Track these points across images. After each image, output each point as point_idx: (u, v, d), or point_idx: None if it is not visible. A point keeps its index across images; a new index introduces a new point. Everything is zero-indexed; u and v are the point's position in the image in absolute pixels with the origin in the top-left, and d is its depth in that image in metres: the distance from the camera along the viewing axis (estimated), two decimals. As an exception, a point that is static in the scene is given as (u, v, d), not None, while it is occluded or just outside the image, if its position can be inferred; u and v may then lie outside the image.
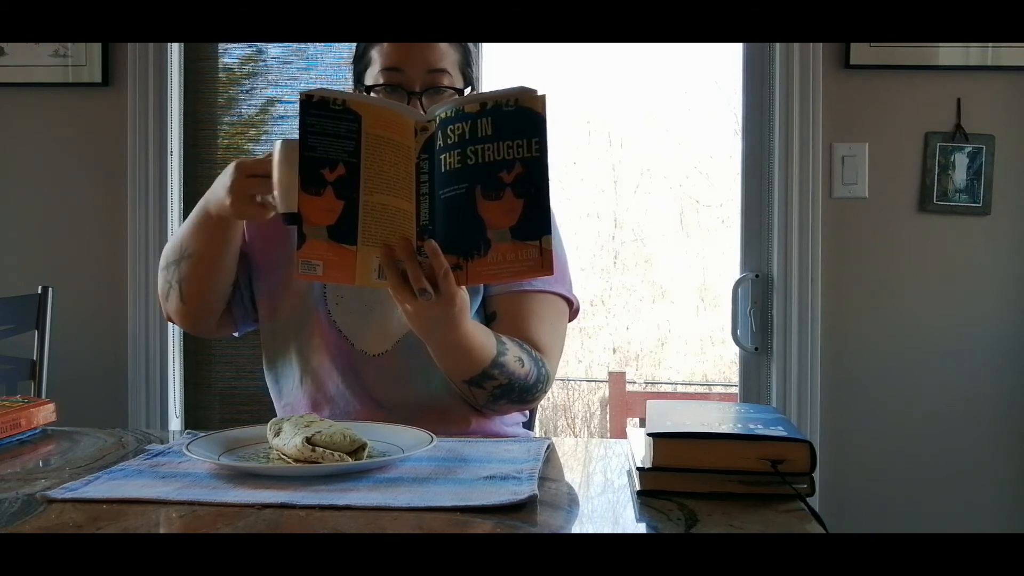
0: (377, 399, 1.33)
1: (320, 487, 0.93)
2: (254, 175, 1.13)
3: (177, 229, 1.38)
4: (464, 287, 1.09)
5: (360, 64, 1.36)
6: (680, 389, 5.43)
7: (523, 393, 1.29)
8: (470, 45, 1.39)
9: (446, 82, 1.30)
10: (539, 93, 1.02)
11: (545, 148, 1.01)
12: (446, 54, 1.31)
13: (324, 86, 1.09)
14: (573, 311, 1.43)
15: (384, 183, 1.03)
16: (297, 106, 1.04)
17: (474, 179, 1.02)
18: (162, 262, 1.37)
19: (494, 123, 1.01)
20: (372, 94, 1.31)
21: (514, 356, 1.26)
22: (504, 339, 1.27)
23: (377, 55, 1.31)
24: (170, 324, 2.29)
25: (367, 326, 1.35)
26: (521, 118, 1.01)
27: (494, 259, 1.03)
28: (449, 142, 1.02)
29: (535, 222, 1.02)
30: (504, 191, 1.01)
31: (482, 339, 1.23)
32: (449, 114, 1.02)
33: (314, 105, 1.02)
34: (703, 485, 0.92)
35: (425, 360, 1.27)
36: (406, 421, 1.18)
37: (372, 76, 1.32)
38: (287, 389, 1.40)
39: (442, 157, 1.02)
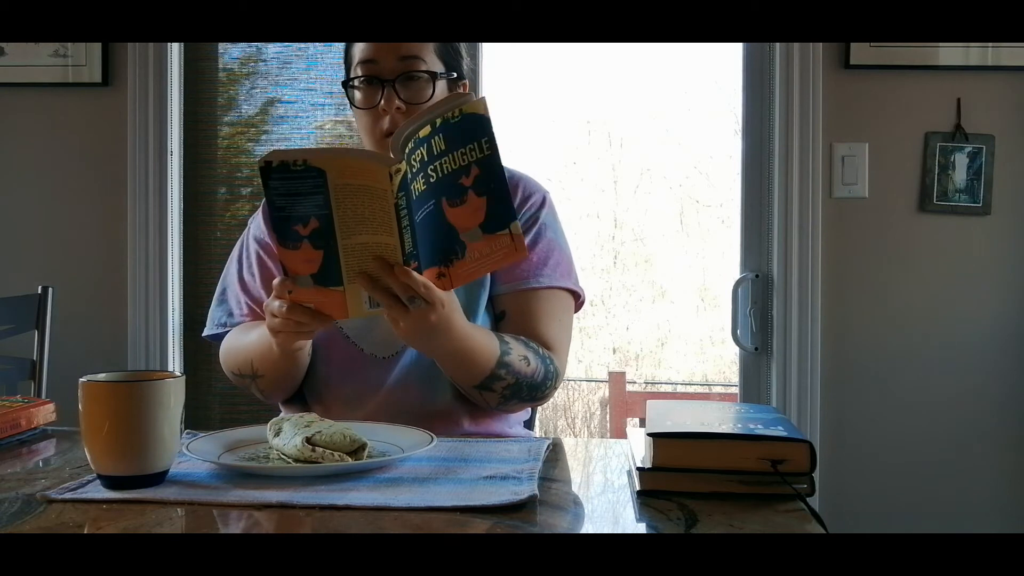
0: (387, 402, 1.33)
1: (320, 487, 0.93)
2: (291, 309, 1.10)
3: (241, 337, 1.36)
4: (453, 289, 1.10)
5: (347, 63, 1.39)
6: (680, 389, 5.42)
7: (532, 391, 1.30)
8: None
9: (420, 68, 1.31)
10: (476, 97, 1.04)
11: (495, 144, 1.03)
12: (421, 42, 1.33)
13: (279, 147, 1.08)
14: (579, 302, 1.44)
15: (360, 224, 1.03)
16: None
17: (439, 193, 1.04)
18: (231, 366, 1.37)
19: (445, 138, 1.03)
20: (353, 87, 1.34)
21: (519, 355, 1.26)
22: (507, 338, 1.27)
23: (356, 51, 1.34)
24: (170, 323, 2.30)
25: (375, 330, 1.35)
26: (467, 124, 1.03)
27: (472, 257, 1.06)
28: (415, 170, 1.04)
29: (500, 213, 1.05)
30: (467, 195, 1.04)
31: (483, 340, 1.23)
32: (410, 146, 1.04)
33: (275, 170, 1.01)
34: (703, 485, 0.92)
35: (431, 361, 1.28)
36: (414, 423, 1.18)
37: (353, 72, 1.35)
38: (294, 401, 1.40)
39: (412, 186, 1.04)
